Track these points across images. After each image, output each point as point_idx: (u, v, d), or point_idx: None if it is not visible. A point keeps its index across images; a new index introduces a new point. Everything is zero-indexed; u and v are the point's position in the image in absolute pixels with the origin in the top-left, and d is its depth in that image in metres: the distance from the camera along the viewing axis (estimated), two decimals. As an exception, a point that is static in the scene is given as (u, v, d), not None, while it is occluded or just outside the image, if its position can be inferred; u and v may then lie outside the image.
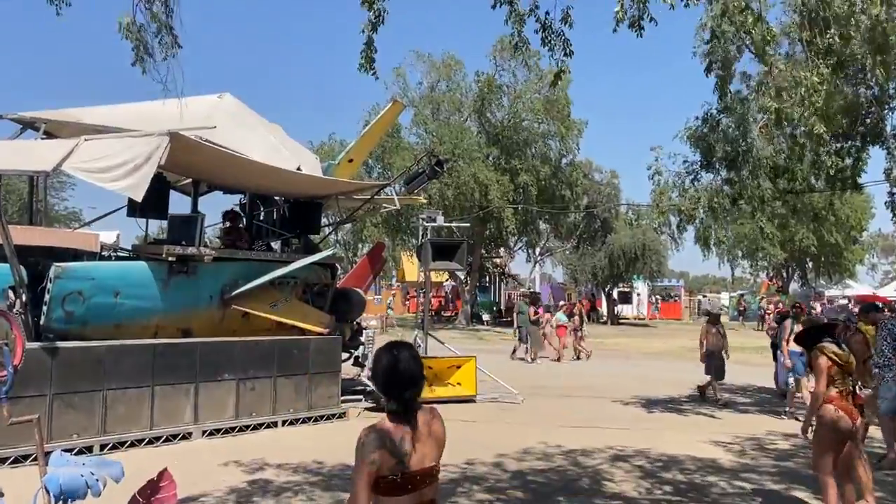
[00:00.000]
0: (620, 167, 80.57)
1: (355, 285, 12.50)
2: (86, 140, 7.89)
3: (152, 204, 9.09)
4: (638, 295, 43.27)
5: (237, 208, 11.59)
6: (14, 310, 7.03)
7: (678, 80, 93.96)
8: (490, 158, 31.24)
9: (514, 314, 18.82)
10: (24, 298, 7.30)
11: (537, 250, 41.13)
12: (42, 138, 8.97)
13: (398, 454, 2.55)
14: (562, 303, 24.61)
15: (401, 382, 2.65)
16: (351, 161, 12.52)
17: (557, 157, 32.97)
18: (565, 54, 6.03)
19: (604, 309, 39.83)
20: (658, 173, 10.34)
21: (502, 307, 39.29)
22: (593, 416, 10.40)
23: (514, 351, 18.89)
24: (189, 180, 11.18)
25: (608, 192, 38.98)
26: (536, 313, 18.30)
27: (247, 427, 8.92)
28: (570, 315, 19.58)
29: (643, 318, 43.01)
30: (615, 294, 40.33)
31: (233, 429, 8.81)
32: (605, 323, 37.24)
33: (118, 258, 9.29)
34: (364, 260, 14.06)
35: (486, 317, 35.40)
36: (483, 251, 35.38)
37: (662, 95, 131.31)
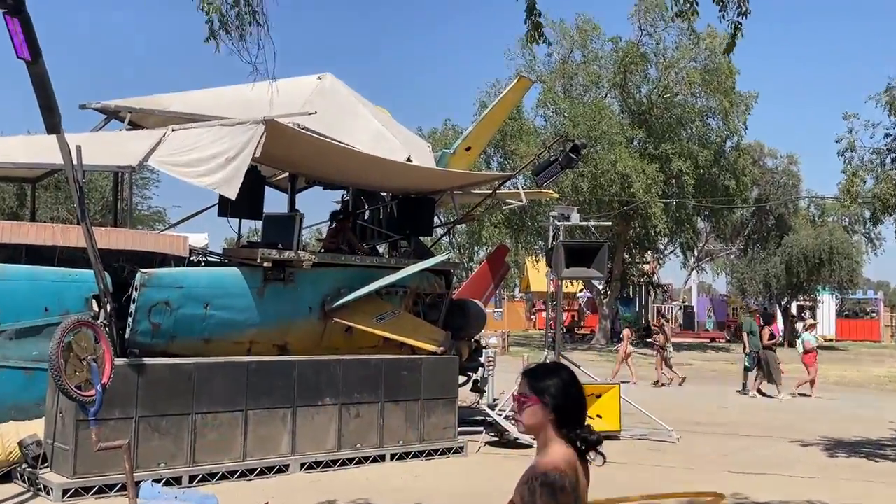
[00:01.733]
0: (801, 150, 75.47)
1: (473, 296, 12.48)
2: (173, 130, 8.20)
3: (245, 202, 9.36)
4: (809, 312, 39.74)
5: (339, 206, 11.86)
6: (98, 321, 7.35)
7: (884, 32, 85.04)
8: (634, 142, 30.35)
9: (744, 335, 17.54)
10: (108, 309, 7.65)
11: (694, 254, 39.39)
12: (127, 129, 9.47)
13: (579, 499, 2.55)
14: (809, 320, 22.45)
15: (585, 409, 2.66)
16: (468, 150, 12.48)
17: (719, 140, 31.49)
18: (740, 13, 5.52)
19: (780, 326, 37.32)
20: (850, 149, 9.39)
21: (649, 323, 37.93)
22: (770, 460, 9.84)
23: (745, 386, 17.26)
24: (285, 175, 11.49)
25: (784, 181, 36.91)
26: (773, 336, 16.85)
27: (350, 460, 8.96)
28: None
29: (829, 339, 39.95)
30: (793, 308, 37.79)
31: (334, 462, 8.87)
32: (780, 344, 34.88)
33: (208, 264, 9.61)
34: (483, 266, 14.09)
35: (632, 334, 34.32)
36: (626, 255, 34.37)
37: (860, 54, 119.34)
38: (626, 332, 20.38)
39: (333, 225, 11.03)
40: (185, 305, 8.33)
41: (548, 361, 11.64)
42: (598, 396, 11.42)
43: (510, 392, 13.15)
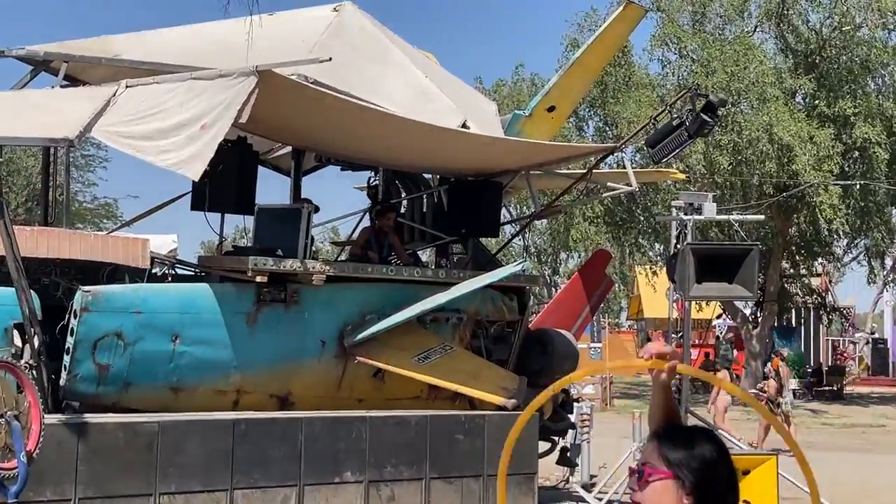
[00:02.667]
0: None
1: (560, 325, 12.48)
2: (127, 87, 8.27)
3: (231, 189, 9.46)
4: None
5: (367, 193, 11.99)
6: (21, 361, 7.43)
7: None
8: (798, 98, 29.78)
9: None
10: (36, 343, 7.72)
11: (887, 263, 38.34)
12: (62, 86, 9.58)
13: None
14: None
15: (737, 494, 2.76)
16: (551, 110, 12.43)
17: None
18: None
19: None
20: None
21: (823, 365, 37.12)
22: None
23: None
24: (287, 150, 11.61)
25: None
26: None
27: (381, 565, 8.94)
28: None
29: None
30: None
31: (359, 567, 8.86)
32: None
33: (177, 279, 9.71)
34: (574, 282, 14.11)
35: (791, 383, 33.59)
36: (786, 264, 33.74)
37: None
38: (721, 374, 20.03)
39: (372, 223, 11.15)
40: (146, 338, 8.40)
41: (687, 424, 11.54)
42: (746, 473, 11.20)
43: (618, 464, 13.00)
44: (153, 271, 9.38)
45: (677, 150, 11.77)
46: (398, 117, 9.47)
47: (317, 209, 9.99)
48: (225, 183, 8.21)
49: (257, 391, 9.10)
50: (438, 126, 9.77)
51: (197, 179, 7.91)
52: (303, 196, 11.02)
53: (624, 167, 13.33)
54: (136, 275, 9.04)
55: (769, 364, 21.83)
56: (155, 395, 8.53)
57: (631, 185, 12.01)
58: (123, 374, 8.32)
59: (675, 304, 13.72)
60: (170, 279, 9.57)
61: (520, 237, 15.99)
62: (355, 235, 12.00)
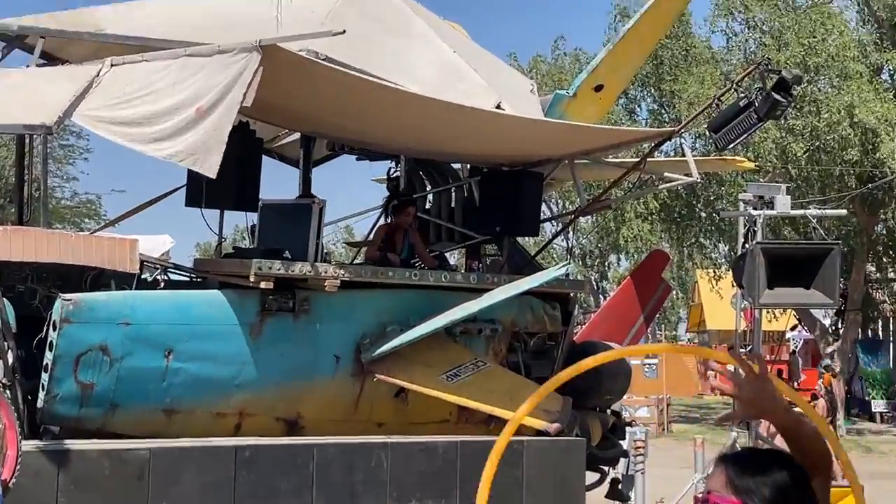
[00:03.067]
0: None
1: (610, 337, 12.52)
2: (113, 66, 8.33)
3: (230, 183, 9.46)
4: None
5: (387, 185, 12.06)
6: (-6, 379, 7.51)
7: None
8: (885, 75, 29.64)
9: None
10: (10, 359, 7.79)
11: None
12: (38, 64, 9.64)
13: None
14: None
15: None
16: (599, 90, 12.37)
17: None
18: None
19: None
20: None
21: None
22: None
23: None
24: (295, 137, 11.69)
25: None
26: None
27: None
28: None
29: None
30: None
31: None
32: None
33: (170, 285, 9.74)
34: (625, 287, 14.16)
35: (878, 404, 33.44)
36: (871, 267, 33.51)
37: None
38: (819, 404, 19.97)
39: (388, 220, 11.17)
40: (135, 353, 8.46)
41: (754, 447, 11.48)
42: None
43: (678, 498, 12.99)
44: (143, 276, 9.40)
45: (745, 136, 11.70)
46: (422, 98, 9.48)
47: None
48: (224, 175, 8.20)
49: (262, 413, 9.14)
50: (469, 107, 9.76)
51: (214, 175, 7.96)
52: (312, 192, 11.08)
53: (683, 155, 13.30)
54: (123, 280, 9.06)
55: (820, 381, 21.78)
56: (146, 417, 8.58)
57: (691, 176, 11.98)
58: (109, 395, 8.37)
59: (742, 314, 13.62)
60: (162, 285, 9.59)
61: (563, 236, 15.97)
62: (373, 235, 12.04)
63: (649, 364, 33.70)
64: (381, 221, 12.16)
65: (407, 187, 11.91)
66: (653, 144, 12.14)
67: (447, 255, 12.44)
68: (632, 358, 13.01)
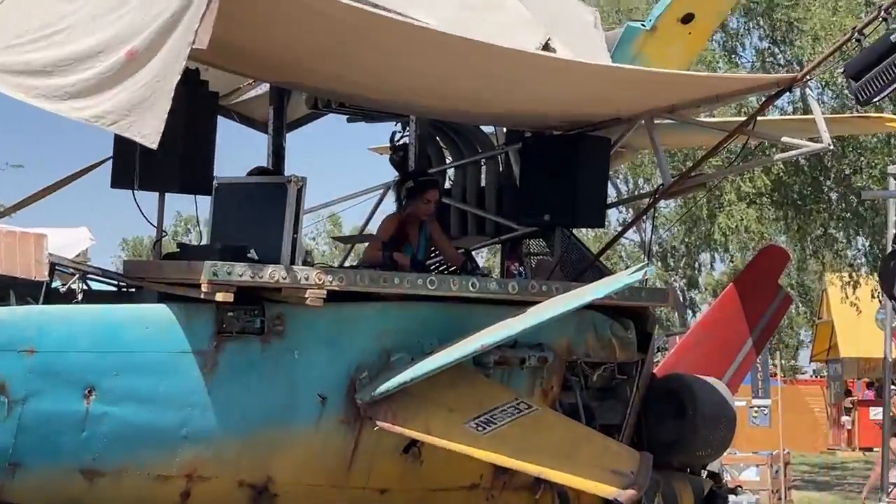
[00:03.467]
0: None
1: (705, 368, 12.54)
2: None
3: (174, 154, 9.50)
4: None
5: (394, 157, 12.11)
6: None
7: None
8: None
9: None
10: None
11: None
12: None
13: None
14: None
15: None
16: (687, 21, 12.37)
17: None
18: None
19: None
20: None
21: None
22: None
23: None
24: (263, 89, 11.77)
25: None
26: None
27: None
28: None
29: None
30: None
31: None
32: None
33: (91, 297, 9.76)
34: (726, 299, 14.17)
35: None
36: None
37: None
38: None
39: (401, 208, 11.21)
40: (43, 393, 8.48)
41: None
42: None
43: None
44: (53, 286, 9.45)
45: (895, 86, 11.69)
46: (441, 34, 9.42)
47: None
48: (165, 144, 8.18)
49: (220, 475, 9.17)
50: (506, 48, 9.68)
51: (155, 144, 7.92)
52: (287, 164, 11.09)
53: (806, 112, 13.22)
54: (26, 291, 9.11)
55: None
56: (59, 481, 8.60)
57: (819, 142, 11.94)
58: (8, 450, 8.38)
59: (893, 336, 13.58)
60: (80, 298, 9.63)
61: (637, 228, 15.88)
62: (372, 228, 12.04)
63: (760, 407, 33.46)
64: (383, 207, 12.21)
65: (420, 161, 11.90)
66: (764, 97, 12.07)
67: (475, 254, 12.41)
68: (736, 397, 12.92)
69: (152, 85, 7.89)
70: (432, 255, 11.68)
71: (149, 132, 7.90)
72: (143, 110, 7.90)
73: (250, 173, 11.14)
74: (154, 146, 7.95)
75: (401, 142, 12.16)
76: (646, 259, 31.65)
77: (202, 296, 9.00)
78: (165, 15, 7.98)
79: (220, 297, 8.98)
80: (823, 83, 26.27)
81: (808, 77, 12.02)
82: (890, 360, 13.58)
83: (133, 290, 9.79)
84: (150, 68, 7.92)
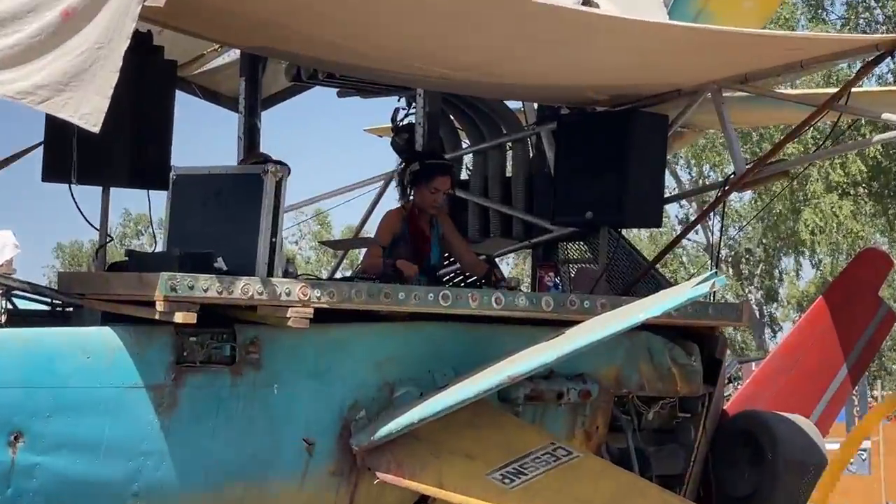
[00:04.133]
0: None
1: (788, 404, 12.61)
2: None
3: (121, 139, 9.50)
4: None
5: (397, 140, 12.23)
6: None
7: None
8: None
9: None
10: None
11: None
12: None
13: None
14: None
15: None
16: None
17: None
18: None
19: None
20: None
21: None
22: None
23: None
24: (234, 56, 11.93)
25: None
26: None
27: None
28: None
29: None
30: None
31: None
32: None
33: (16, 318, 9.70)
34: (814, 316, 14.21)
35: None
36: None
37: None
38: None
39: (405, 199, 11.30)
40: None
41: None
42: None
43: None
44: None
45: None
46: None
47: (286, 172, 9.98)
48: (111, 127, 8.14)
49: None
50: (538, 2, 9.67)
51: (97, 127, 7.87)
52: (263, 149, 11.08)
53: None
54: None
55: None
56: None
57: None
58: None
59: None
60: (4, 319, 9.58)
61: (702, 227, 15.84)
62: (370, 228, 12.04)
63: (857, 450, 33.47)
64: (383, 203, 12.21)
65: (428, 144, 11.90)
66: (861, 64, 12.04)
67: (500, 261, 12.41)
68: (827, 439, 12.92)
69: (93, 52, 7.84)
70: (446, 261, 11.67)
71: (89, 112, 7.83)
72: (83, 85, 7.83)
73: (242, 163, 11.17)
74: (96, 129, 7.86)
75: (405, 121, 12.18)
76: (713, 266, 31.76)
77: (157, 316, 8.96)
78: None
79: (179, 317, 8.89)
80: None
81: (851, 54, 12.08)
82: None
83: (70, 309, 9.76)
84: (91, 31, 7.88)
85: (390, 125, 12.56)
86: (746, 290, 38.30)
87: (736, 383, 16.02)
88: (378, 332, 9.89)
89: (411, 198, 11.10)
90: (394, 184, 12.23)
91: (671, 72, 11.31)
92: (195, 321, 8.94)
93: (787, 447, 11.42)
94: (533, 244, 12.26)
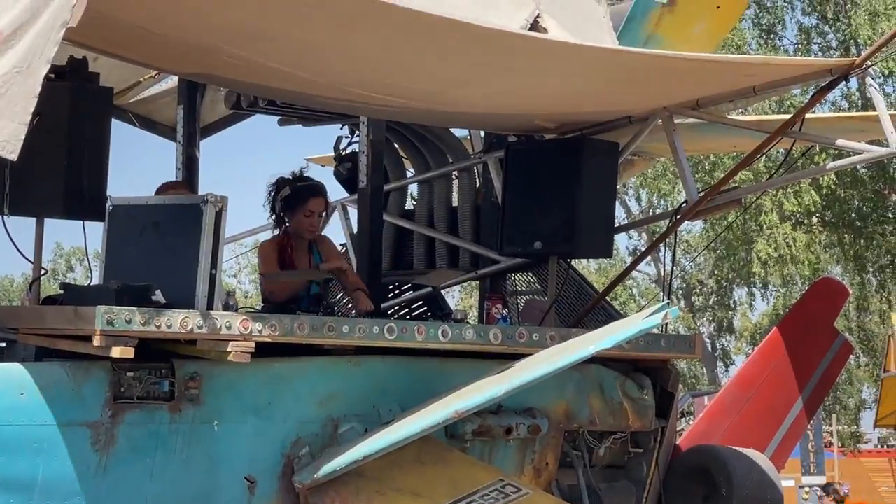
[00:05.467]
0: None
1: (742, 438, 12.68)
2: None
3: (55, 168, 9.47)
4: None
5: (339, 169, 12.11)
6: None
7: None
8: None
9: None
10: None
11: None
12: None
13: None
14: None
15: None
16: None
17: None
18: None
19: None
20: None
21: None
22: None
23: None
24: (171, 83, 11.89)
25: None
26: None
27: None
28: None
29: None
30: None
31: None
32: None
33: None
34: (769, 347, 14.27)
35: None
36: None
37: None
38: None
39: (282, 222, 11.17)
40: None
41: None
42: None
43: None
44: None
45: None
46: (399, 8, 9.38)
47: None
48: (44, 155, 8.10)
49: None
50: (483, 26, 9.64)
51: (14, 155, 7.81)
52: (202, 180, 11.05)
53: (866, 108, 13.26)
54: None
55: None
56: None
57: (886, 145, 12.00)
58: None
59: None
60: None
61: (653, 257, 15.87)
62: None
63: (812, 486, 33.66)
64: (327, 231, 12.18)
65: (371, 173, 11.88)
66: (814, 89, 12.10)
67: (446, 293, 12.41)
68: (782, 475, 12.95)
69: (11, 77, 7.80)
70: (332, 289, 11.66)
71: (5, 139, 7.74)
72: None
73: (159, 192, 11.11)
74: (13, 157, 7.78)
75: (348, 150, 12.15)
76: (665, 297, 31.81)
77: (94, 351, 8.92)
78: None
79: (116, 352, 8.83)
80: (888, 71, 26.44)
81: (869, 62, 12.10)
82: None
83: (3, 344, 9.71)
84: (11, 56, 7.82)
85: (333, 154, 12.54)
86: (699, 323, 38.38)
87: (689, 418, 16.07)
88: (321, 367, 9.88)
89: (286, 224, 11.06)
90: (337, 216, 12.21)
91: (621, 98, 11.32)
92: (133, 356, 8.89)
93: (743, 483, 11.44)
94: (480, 275, 12.26)
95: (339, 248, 13.46)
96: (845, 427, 55.43)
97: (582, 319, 11.37)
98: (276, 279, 11.09)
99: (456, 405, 9.55)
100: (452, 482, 9.80)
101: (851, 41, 27.97)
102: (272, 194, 11.19)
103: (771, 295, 38.28)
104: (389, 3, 9.38)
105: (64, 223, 10.38)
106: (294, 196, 10.95)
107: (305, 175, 11.42)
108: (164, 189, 11.27)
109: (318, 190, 11.16)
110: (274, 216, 11.21)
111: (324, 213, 11.13)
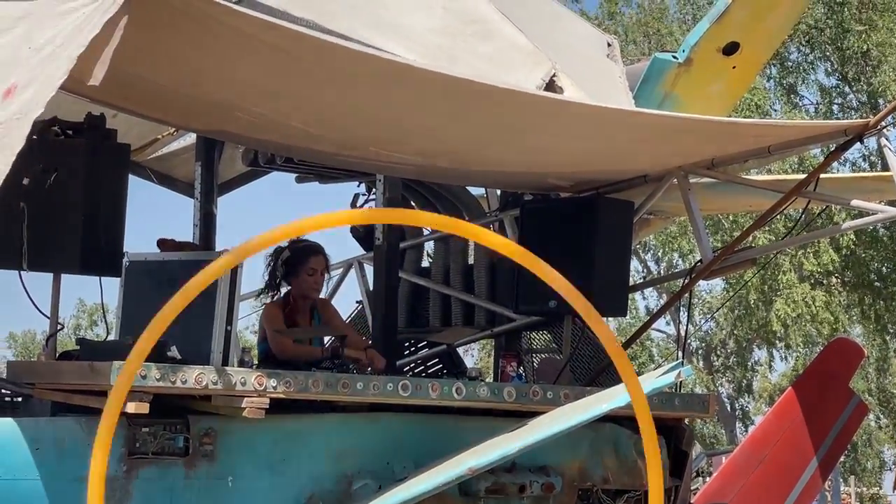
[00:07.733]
0: None
1: (761, 499, 12.81)
2: None
3: (72, 225, 9.50)
4: None
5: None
6: None
7: None
8: None
9: None
10: None
11: None
12: None
13: None
14: None
15: None
16: (731, 51, 12.47)
17: None
18: None
19: None
20: None
21: None
22: None
23: None
24: (189, 140, 11.90)
25: None
26: None
27: None
28: None
29: None
30: None
31: None
32: None
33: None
34: (784, 407, 14.25)
35: None
36: None
37: None
38: None
39: (284, 284, 11.16)
40: None
41: None
42: None
43: None
44: None
45: None
46: (416, 69, 9.49)
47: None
48: (62, 211, 8.16)
49: None
50: (499, 87, 9.70)
51: None
52: (219, 235, 11.10)
53: (884, 168, 13.25)
54: None
55: None
56: None
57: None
58: None
59: None
60: None
61: (669, 316, 15.85)
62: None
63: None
64: (343, 290, 12.21)
65: (388, 231, 11.90)
66: (831, 149, 12.10)
67: (462, 351, 12.42)
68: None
69: (9, 124, 7.79)
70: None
71: None
72: None
73: (161, 250, 11.15)
74: None
75: (365, 207, 12.17)
76: (680, 356, 31.68)
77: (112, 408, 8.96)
78: (59, 40, 7.89)
79: (131, 407, 8.80)
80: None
81: (884, 122, 12.10)
82: None
83: (20, 398, 9.74)
84: (18, 107, 7.85)
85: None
86: (718, 384, 38.16)
87: (705, 477, 16.02)
88: (336, 423, 9.88)
89: (288, 288, 11.11)
90: (353, 272, 12.24)
91: (636, 157, 11.33)
92: (148, 411, 8.90)
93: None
94: (495, 333, 12.24)
95: (356, 305, 13.53)
96: (864, 489, 55.10)
97: (596, 378, 11.36)
98: (289, 335, 11.07)
99: (469, 462, 9.50)
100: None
101: (872, 101, 27.92)
102: (271, 263, 11.25)
103: (791, 355, 38.05)
104: (407, 65, 9.45)
105: (86, 279, 10.41)
106: (294, 257, 10.94)
107: (301, 238, 11.47)
108: (161, 245, 11.30)
109: (317, 249, 11.15)
110: (273, 283, 11.18)
111: (325, 273, 11.15)
